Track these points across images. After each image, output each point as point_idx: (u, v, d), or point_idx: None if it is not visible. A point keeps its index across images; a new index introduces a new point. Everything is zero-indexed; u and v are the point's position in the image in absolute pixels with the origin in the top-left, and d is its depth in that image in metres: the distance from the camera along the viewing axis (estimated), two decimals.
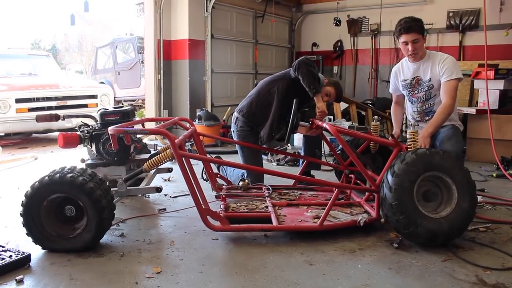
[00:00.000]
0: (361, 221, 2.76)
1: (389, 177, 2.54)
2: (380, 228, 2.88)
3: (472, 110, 5.45)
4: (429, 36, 8.44)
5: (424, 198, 2.61)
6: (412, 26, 3.33)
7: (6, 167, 5.07)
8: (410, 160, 2.54)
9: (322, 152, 4.00)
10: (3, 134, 7.24)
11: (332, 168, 3.94)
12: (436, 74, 3.42)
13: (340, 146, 3.32)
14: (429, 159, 2.57)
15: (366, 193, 3.25)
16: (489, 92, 4.90)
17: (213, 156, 4.45)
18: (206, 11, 7.60)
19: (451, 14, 8.08)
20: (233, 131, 3.93)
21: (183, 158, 2.62)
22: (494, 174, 4.57)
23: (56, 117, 3.50)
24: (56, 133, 7.84)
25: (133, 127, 2.98)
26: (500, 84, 5.29)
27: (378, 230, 2.86)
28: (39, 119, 3.51)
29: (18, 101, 6.76)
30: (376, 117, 3.66)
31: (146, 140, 6.63)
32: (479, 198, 3.37)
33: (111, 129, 2.69)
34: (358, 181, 3.47)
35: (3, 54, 8.61)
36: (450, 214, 2.54)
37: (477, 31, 7.92)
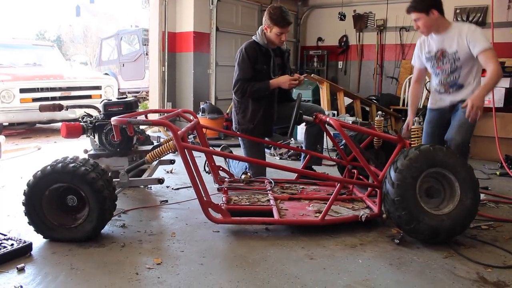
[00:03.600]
0: (362, 216, 2.75)
1: (392, 173, 2.53)
2: (381, 223, 2.87)
3: None
4: None
5: (427, 194, 2.60)
6: (411, 7, 3.37)
7: (9, 157, 5.08)
8: (414, 156, 2.53)
9: (325, 147, 3.99)
10: (7, 124, 7.26)
11: (334, 163, 3.93)
12: (463, 46, 3.32)
13: (343, 141, 3.31)
14: (433, 156, 2.55)
15: (369, 189, 3.24)
16: (494, 90, 4.86)
17: (221, 147, 4.44)
18: (212, 4, 7.58)
19: (458, 11, 8.01)
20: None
21: (185, 150, 2.62)
22: (498, 172, 4.55)
23: (60, 107, 3.50)
24: (60, 124, 7.88)
25: (136, 118, 2.97)
26: (506, 82, 5.26)
27: (379, 226, 2.85)
28: (42, 109, 3.52)
29: (22, 91, 6.78)
30: (380, 112, 3.63)
31: (149, 132, 6.64)
32: (482, 196, 3.35)
33: (114, 119, 2.69)
34: (361, 176, 3.46)
35: (8, 44, 8.62)
36: (452, 211, 2.52)
37: (484, 28, 7.83)
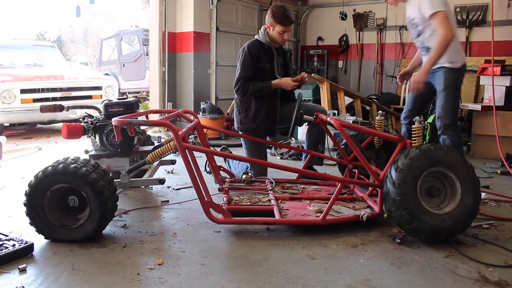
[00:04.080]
0: (363, 216, 2.75)
1: (393, 172, 2.53)
2: (383, 223, 2.87)
3: (478, 107, 5.41)
4: None
5: (428, 193, 2.60)
6: None
7: (10, 157, 5.09)
8: (414, 156, 2.53)
9: (326, 147, 3.99)
10: (8, 124, 7.28)
11: (335, 162, 3.93)
12: (416, 11, 3.64)
13: (344, 140, 3.31)
14: (433, 155, 2.55)
15: (370, 188, 3.24)
16: (495, 89, 4.87)
17: (220, 147, 4.45)
18: (212, 4, 7.58)
19: (458, 9, 8.01)
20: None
21: (186, 150, 2.62)
22: (499, 171, 4.54)
23: (60, 108, 3.50)
24: (60, 124, 7.88)
25: (137, 118, 2.97)
26: (506, 81, 5.25)
27: (380, 225, 2.85)
28: (43, 109, 3.52)
29: (23, 91, 6.79)
30: (380, 112, 3.63)
31: (150, 132, 6.65)
32: (483, 194, 3.36)
33: (114, 120, 2.69)
34: (362, 176, 3.46)
35: (9, 45, 8.65)
36: (453, 210, 2.52)
37: (484, 27, 7.86)
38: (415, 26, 3.72)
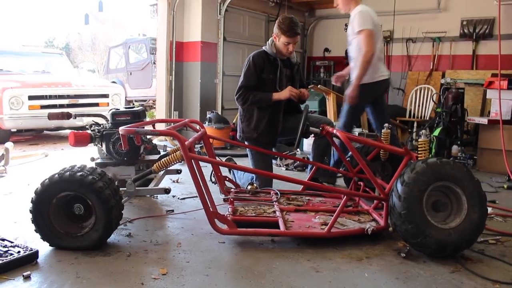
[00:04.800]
0: (369, 229, 2.74)
1: (399, 186, 2.53)
2: (388, 236, 2.85)
3: (484, 120, 5.40)
4: (442, 44, 8.42)
5: (434, 208, 2.59)
6: None
7: (17, 163, 5.11)
8: (420, 170, 2.52)
9: (331, 158, 4.00)
10: (15, 130, 7.31)
11: (341, 174, 3.92)
12: (350, 24, 4.12)
13: (350, 152, 3.31)
14: (440, 169, 2.54)
15: (375, 201, 3.23)
16: (502, 102, 4.86)
17: (225, 158, 4.46)
18: (219, 14, 7.63)
19: (464, 23, 8.04)
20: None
21: (192, 161, 2.62)
22: (505, 186, 4.52)
23: (68, 116, 3.52)
24: (67, 131, 7.92)
25: (143, 128, 2.98)
26: None
27: (386, 239, 2.84)
28: (51, 117, 3.54)
29: (31, 98, 6.83)
30: (386, 125, 3.63)
31: (155, 140, 6.65)
32: (490, 209, 3.34)
33: (121, 129, 2.70)
34: (367, 189, 3.45)
35: (18, 52, 8.71)
36: (459, 225, 2.51)
37: (491, 40, 7.87)
38: (348, 36, 4.22)
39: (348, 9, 4.15)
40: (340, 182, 4.24)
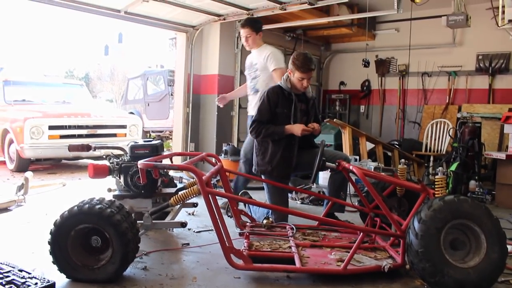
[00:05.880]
0: (385, 267, 2.71)
1: (416, 223, 2.51)
2: (405, 274, 2.81)
3: (502, 155, 5.34)
4: (458, 78, 8.43)
5: (452, 246, 2.55)
6: (246, 24, 4.75)
7: (35, 192, 5.19)
8: (438, 207, 2.50)
9: (348, 193, 3.98)
10: (34, 159, 7.44)
11: (357, 209, 3.90)
12: (262, 60, 4.69)
13: (366, 188, 3.30)
14: (457, 207, 2.52)
15: (391, 237, 3.20)
16: None
17: (241, 192, 4.48)
18: (236, 48, 7.77)
19: (480, 57, 8.05)
20: None
21: (209, 195, 2.65)
22: None
23: (88, 148, 3.60)
24: (85, 161, 8.03)
25: (161, 161, 3.03)
26: None
27: (403, 277, 2.79)
28: (71, 148, 3.62)
29: (51, 128, 6.97)
30: (403, 160, 3.63)
31: (172, 172, 6.70)
32: (510, 248, 3.27)
33: (140, 163, 2.75)
34: (383, 225, 3.42)
35: (40, 82, 8.95)
36: (478, 264, 2.47)
37: (508, 75, 7.87)
38: (255, 70, 4.76)
39: (256, 47, 4.80)
40: (356, 217, 4.21)
